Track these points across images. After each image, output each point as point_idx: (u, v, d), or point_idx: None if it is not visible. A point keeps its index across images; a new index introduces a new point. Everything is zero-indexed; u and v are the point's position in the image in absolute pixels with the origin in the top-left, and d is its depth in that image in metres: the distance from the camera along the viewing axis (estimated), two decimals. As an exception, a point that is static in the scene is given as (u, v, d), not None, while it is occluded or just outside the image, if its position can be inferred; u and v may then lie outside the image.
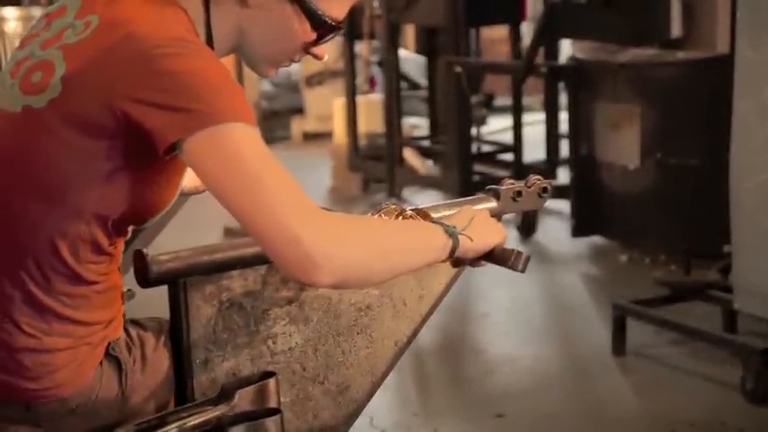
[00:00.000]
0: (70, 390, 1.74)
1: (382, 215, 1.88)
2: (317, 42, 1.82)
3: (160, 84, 1.60)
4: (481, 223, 1.86)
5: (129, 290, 1.95)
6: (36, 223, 1.68)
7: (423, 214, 1.87)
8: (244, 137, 1.60)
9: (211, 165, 1.59)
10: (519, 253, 1.86)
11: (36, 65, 1.72)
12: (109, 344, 1.78)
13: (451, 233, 1.78)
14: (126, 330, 1.83)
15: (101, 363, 1.77)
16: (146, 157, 1.66)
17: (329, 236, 1.58)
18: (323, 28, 1.80)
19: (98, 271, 1.74)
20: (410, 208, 1.89)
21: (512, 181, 2.10)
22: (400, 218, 1.87)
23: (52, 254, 1.68)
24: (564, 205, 5.96)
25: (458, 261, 1.88)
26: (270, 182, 1.58)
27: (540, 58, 6.21)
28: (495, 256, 1.87)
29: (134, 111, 1.61)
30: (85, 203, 1.68)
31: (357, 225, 1.68)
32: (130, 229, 1.79)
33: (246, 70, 7.25)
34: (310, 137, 9.23)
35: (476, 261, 1.89)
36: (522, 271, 1.87)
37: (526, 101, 7.41)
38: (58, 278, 1.70)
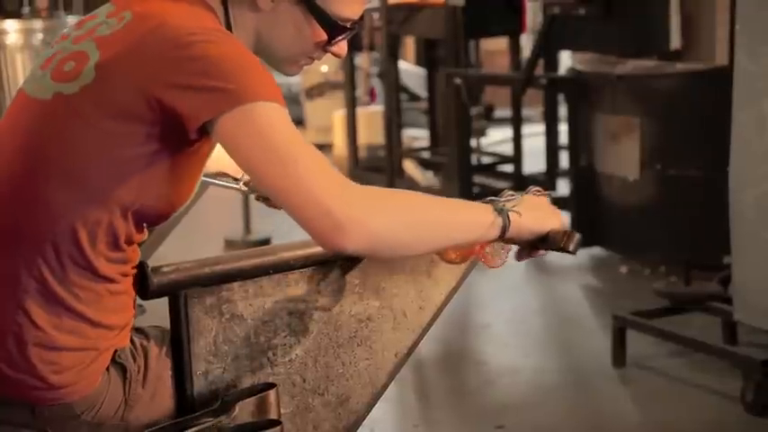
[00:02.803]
0: (76, 395, 1.74)
1: None
2: (330, 42, 1.88)
3: (192, 67, 1.66)
4: (537, 205, 1.87)
5: (140, 305, 1.96)
6: (59, 208, 1.70)
7: None
8: (275, 115, 1.66)
9: (244, 142, 1.65)
10: (571, 233, 1.85)
11: (69, 56, 1.78)
12: (115, 351, 1.79)
13: (501, 210, 1.79)
14: (131, 340, 1.84)
15: (107, 369, 1.78)
16: (173, 145, 1.71)
17: (359, 205, 1.63)
18: (334, 29, 1.86)
19: (112, 269, 1.75)
20: None
21: (511, 192, 2.10)
22: None
23: (71, 241, 1.71)
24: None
25: (521, 252, 1.90)
26: (301, 157, 1.64)
27: (539, 70, 6.23)
28: (549, 239, 1.85)
29: (167, 96, 1.66)
30: (109, 191, 1.71)
31: (392, 196, 1.72)
32: (146, 229, 1.81)
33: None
34: (310, 148, 9.24)
35: (534, 249, 1.88)
36: (574, 252, 1.86)
37: (526, 112, 7.42)
38: (74, 268, 1.72)
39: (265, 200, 2.38)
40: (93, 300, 1.74)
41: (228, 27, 1.83)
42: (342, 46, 1.91)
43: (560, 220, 1.89)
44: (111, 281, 1.75)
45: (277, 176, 1.64)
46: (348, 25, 1.87)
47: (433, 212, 1.74)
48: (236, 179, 2.40)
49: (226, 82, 1.65)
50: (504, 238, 1.81)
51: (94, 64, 1.73)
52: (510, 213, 1.79)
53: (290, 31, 1.85)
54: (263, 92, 1.66)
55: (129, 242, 1.77)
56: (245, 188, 2.41)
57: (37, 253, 1.71)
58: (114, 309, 1.77)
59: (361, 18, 1.90)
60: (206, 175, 2.30)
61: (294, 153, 1.64)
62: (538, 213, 1.85)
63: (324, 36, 1.86)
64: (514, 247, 1.92)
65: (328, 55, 1.93)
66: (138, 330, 1.88)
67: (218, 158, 2.27)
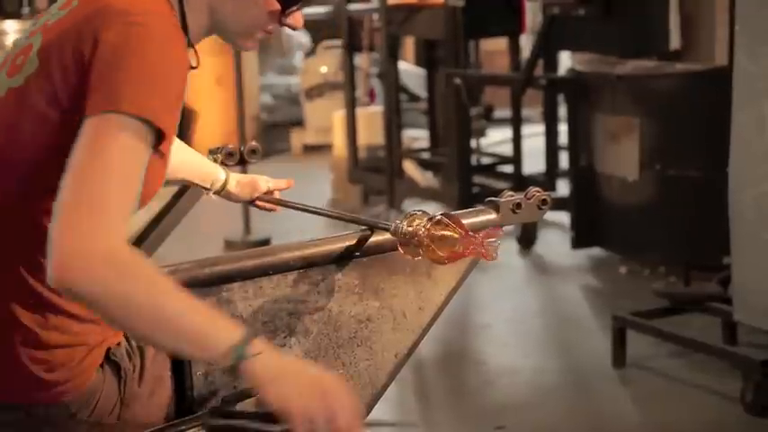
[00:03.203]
0: (71, 392, 1.74)
1: (412, 222, 1.87)
2: (284, 12, 1.83)
3: (115, 56, 1.62)
4: (308, 383, 1.58)
5: None
6: (24, 205, 1.70)
7: (454, 220, 1.85)
8: (132, 136, 1.59)
9: (86, 139, 1.59)
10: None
11: (20, 51, 1.78)
12: (109, 349, 1.79)
13: (239, 356, 1.57)
14: (126, 339, 1.84)
15: (102, 367, 1.78)
16: None
17: (90, 257, 1.53)
18: None
19: None
20: (440, 213, 1.87)
21: (511, 193, 2.10)
22: (429, 224, 1.85)
23: (42, 236, 1.66)
24: (563, 217, 5.96)
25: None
26: (103, 185, 1.56)
27: (539, 70, 6.22)
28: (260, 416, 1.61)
29: (91, 69, 1.63)
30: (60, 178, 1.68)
31: (130, 271, 1.57)
32: None
33: (246, 85, 7.26)
34: (310, 149, 9.24)
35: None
36: None
37: (525, 113, 7.41)
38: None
39: (256, 203, 2.38)
40: None
41: (181, 5, 1.80)
42: (297, 17, 1.87)
43: (305, 411, 1.55)
44: None
45: (72, 182, 1.56)
46: None
47: (156, 309, 1.56)
48: (205, 188, 2.37)
49: (124, 85, 1.60)
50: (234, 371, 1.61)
51: (36, 51, 1.73)
52: (249, 363, 1.57)
53: (244, 2, 1.82)
54: (146, 107, 1.60)
55: None
56: (213, 197, 2.40)
57: (11, 252, 1.71)
58: None
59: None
60: (173, 182, 2.30)
61: (104, 178, 1.56)
62: (286, 384, 1.57)
63: (277, 6, 1.83)
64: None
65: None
66: None
67: (182, 166, 2.25)
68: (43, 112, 1.69)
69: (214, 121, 8.77)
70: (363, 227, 1.99)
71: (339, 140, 7.65)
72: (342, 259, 1.94)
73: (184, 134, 8.91)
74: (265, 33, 1.88)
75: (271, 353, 1.59)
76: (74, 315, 1.74)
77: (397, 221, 1.90)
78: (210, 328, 1.59)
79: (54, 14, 1.79)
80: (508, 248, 5.81)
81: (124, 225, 1.57)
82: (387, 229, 1.92)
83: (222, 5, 1.82)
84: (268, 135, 9.39)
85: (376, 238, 1.95)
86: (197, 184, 2.35)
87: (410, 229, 1.88)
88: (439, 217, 1.86)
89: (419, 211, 1.90)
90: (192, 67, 1.80)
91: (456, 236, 1.83)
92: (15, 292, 1.71)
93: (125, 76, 1.61)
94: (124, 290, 1.55)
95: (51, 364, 1.73)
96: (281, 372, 1.58)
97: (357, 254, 1.95)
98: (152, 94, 1.61)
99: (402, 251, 1.90)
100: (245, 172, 5.87)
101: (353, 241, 1.95)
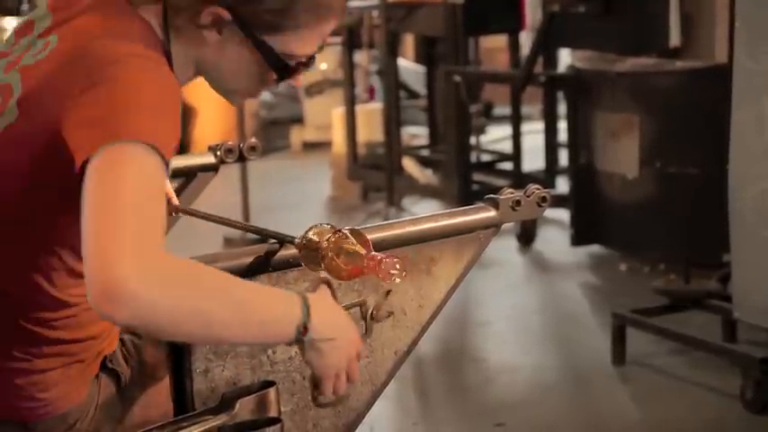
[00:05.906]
0: (66, 406, 1.73)
1: (316, 235, 1.82)
2: (282, 78, 1.76)
3: (94, 95, 1.54)
4: (346, 348, 1.71)
5: None
6: (9, 264, 1.65)
7: (357, 235, 1.79)
8: (139, 160, 1.49)
9: (96, 173, 1.49)
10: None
11: None
12: (106, 357, 1.78)
13: (299, 332, 1.62)
14: (121, 340, 1.83)
15: (97, 376, 1.77)
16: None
17: (147, 278, 1.43)
18: (284, 69, 1.74)
19: (80, 292, 1.68)
20: (346, 228, 1.81)
21: (511, 190, 2.10)
22: (334, 237, 1.79)
23: (33, 289, 1.66)
24: (563, 214, 5.96)
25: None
26: (127, 212, 1.45)
27: (538, 68, 6.22)
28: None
29: (65, 128, 1.54)
30: (47, 235, 1.64)
31: (193, 279, 1.51)
32: None
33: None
34: (310, 146, 9.24)
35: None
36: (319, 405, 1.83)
37: (525, 110, 7.41)
38: (44, 310, 1.68)
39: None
40: (69, 323, 1.71)
41: (168, 53, 1.69)
42: (296, 79, 1.78)
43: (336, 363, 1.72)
44: (83, 301, 1.68)
45: (93, 216, 1.46)
46: (304, 60, 1.74)
47: (234, 310, 1.54)
48: None
49: (112, 112, 1.51)
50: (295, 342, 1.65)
51: (17, 100, 1.63)
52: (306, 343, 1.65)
53: (236, 68, 1.73)
54: (145, 132, 1.50)
55: None
56: None
57: (4, 309, 1.67)
58: (93, 320, 1.74)
59: (320, 48, 1.77)
60: None
61: (124, 205, 1.45)
62: (331, 356, 1.69)
63: (272, 75, 1.74)
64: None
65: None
66: (129, 332, 1.87)
67: None
68: (19, 167, 1.61)
69: (214, 118, 8.76)
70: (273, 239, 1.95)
71: (338, 137, 7.65)
72: (250, 273, 1.87)
73: (184, 131, 8.91)
74: (259, 93, 1.81)
75: (321, 320, 1.64)
76: (70, 340, 1.72)
77: (302, 234, 1.86)
78: (280, 309, 1.62)
79: (33, 44, 1.69)
80: (508, 246, 5.81)
81: (161, 235, 1.49)
82: (292, 242, 1.88)
83: (215, 64, 1.73)
84: (267, 132, 9.38)
85: (285, 251, 1.92)
86: None
87: (312, 242, 1.82)
88: (343, 232, 1.79)
89: (327, 224, 1.84)
90: None
91: (358, 252, 1.78)
92: (12, 339, 1.68)
93: (120, 109, 1.51)
94: (201, 296, 1.51)
95: (46, 384, 1.71)
96: (329, 342, 1.67)
97: (266, 267, 1.89)
98: (150, 119, 1.52)
99: (304, 264, 1.86)
100: (244, 169, 5.85)
101: (261, 253, 1.90)
